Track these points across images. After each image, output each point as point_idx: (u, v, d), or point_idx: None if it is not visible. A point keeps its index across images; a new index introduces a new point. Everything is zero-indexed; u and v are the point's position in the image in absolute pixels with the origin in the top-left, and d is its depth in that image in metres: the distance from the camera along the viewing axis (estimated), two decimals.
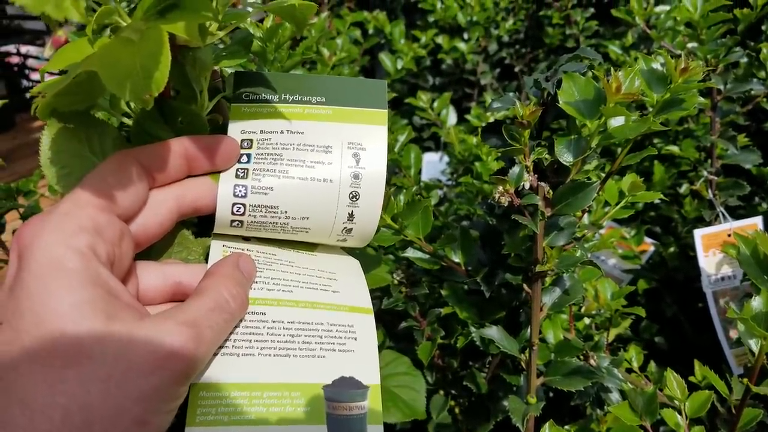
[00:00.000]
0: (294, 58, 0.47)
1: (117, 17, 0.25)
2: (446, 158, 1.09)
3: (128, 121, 0.34)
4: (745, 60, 0.71)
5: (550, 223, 0.45)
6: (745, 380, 0.38)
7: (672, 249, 0.82)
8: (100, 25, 0.26)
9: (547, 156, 0.44)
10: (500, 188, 0.41)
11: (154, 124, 0.31)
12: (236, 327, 0.30)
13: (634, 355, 0.61)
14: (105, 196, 0.27)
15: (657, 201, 0.94)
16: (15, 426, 0.22)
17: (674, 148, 0.87)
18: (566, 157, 0.42)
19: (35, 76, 3.04)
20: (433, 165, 1.23)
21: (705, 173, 0.73)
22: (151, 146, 0.30)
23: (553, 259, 0.43)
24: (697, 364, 0.42)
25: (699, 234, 0.72)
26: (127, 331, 0.24)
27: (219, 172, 0.32)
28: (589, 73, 0.44)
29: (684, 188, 0.91)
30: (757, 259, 0.35)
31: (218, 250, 0.33)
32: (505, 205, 0.41)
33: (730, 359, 0.71)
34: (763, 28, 0.98)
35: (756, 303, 0.36)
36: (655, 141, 0.94)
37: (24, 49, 3.05)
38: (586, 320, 0.63)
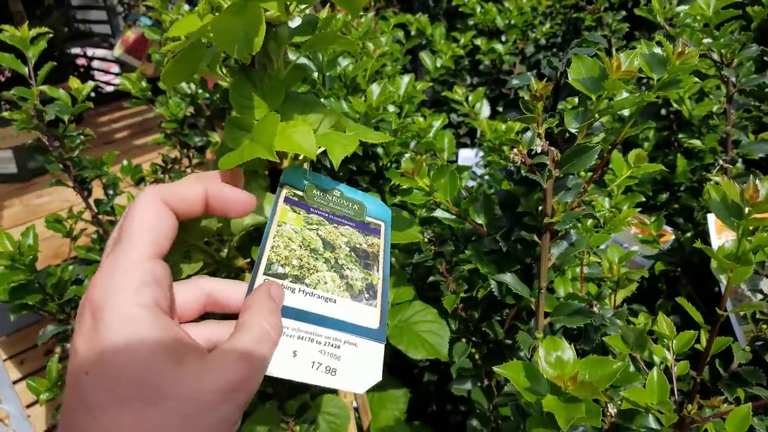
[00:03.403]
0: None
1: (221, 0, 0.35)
2: (481, 153, 1.17)
3: (223, 83, 0.43)
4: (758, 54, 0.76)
5: (560, 184, 0.52)
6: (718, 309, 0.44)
7: (689, 234, 0.88)
8: (211, 5, 0.36)
9: (556, 128, 0.52)
10: (515, 149, 0.49)
11: (244, 87, 0.40)
12: None
13: (642, 320, 0.67)
14: (155, 245, 0.31)
15: (680, 193, 0.99)
16: None
17: (697, 142, 0.93)
18: (573, 125, 0.50)
19: (100, 76, 3.27)
20: (468, 160, 1.31)
21: (721, 162, 0.78)
22: (177, 187, 0.34)
23: (559, 213, 0.51)
24: (681, 300, 0.49)
25: (712, 218, 0.78)
26: (195, 372, 0.29)
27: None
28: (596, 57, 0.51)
29: (708, 184, 0.96)
30: (726, 205, 0.41)
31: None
32: (519, 163, 0.49)
33: (739, 335, 0.76)
34: None
35: (728, 244, 0.43)
36: (680, 136, 0.99)
37: (90, 51, 3.29)
38: (598, 287, 0.70)
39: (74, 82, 0.71)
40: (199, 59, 0.40)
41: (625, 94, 0.52)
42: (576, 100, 0.56)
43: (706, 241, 0.92)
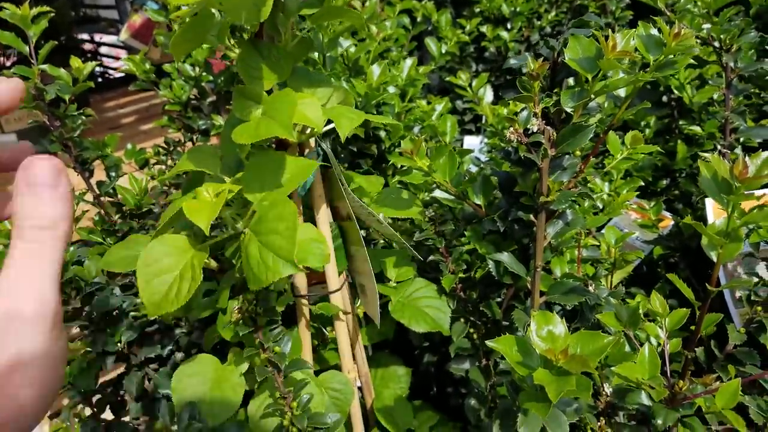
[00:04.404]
0: (344, 24, 0.57)
1: None
2: (486, 140, 1.17)
3: (231, 54, 0.44)
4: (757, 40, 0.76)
5: (555, 164, 0.53)
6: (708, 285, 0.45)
7: (687, 219, 0.88)
8: None
9: (553, 107, 0.53)
10: (510, 129, 0.50)
11: (252, 57, 0.41)
12: None
13: (639, 301, 0.68)
14: None
15: (680, 179, 1.00)
16: None
17: (697, 129, 0.93)
18: (569, 105, 0.50)
19: (108, 62, 3.28)
20: (473, 147, 1.32)
21: (719, 147, 0.78)
22: None
23: (555, 192, 0.52)
24: (672, 276, 0.50)
25: (710, 202, 0.78)
26: None
27: None
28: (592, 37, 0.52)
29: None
30: (716, 181, 0.42)
31: None
32: (515, 142, 0.50)
33: (735, 317, 0.77)
34: None
35: (719, 221, 0.44)
36: (681, 122, 0.99)
37: (98, 37, 3.30)
38: (594, 268, 0.71)
39: (75, 62, 0.72)
40: (207, 28, 0.41)
41: (621, 75, 0.53)
42: (571, 80, 0.57)
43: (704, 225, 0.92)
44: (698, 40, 0.77)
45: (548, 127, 0.51)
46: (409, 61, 0.78)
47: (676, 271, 0.90)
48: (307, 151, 0.51)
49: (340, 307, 0.58)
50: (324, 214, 0.54)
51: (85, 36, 3.27)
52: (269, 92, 0.43)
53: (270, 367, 0.49)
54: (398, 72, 0.76)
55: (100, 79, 3.23)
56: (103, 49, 3.41)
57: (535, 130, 0.51)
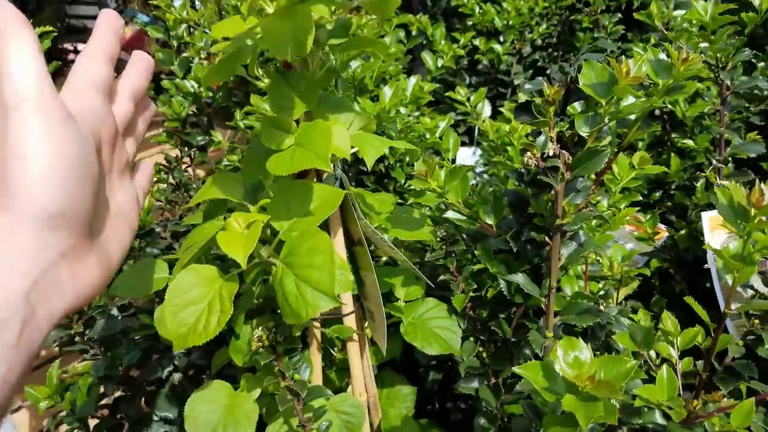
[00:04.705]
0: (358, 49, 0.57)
1: (262, 2, 0.36)
2: (479, 152, 1.18)
3: (260, 84, 0.44)
4: (752, 59, 0.79)
5: (570, 186, 0.54)
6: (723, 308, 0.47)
7: (683, 232, 0.90)
8: (252, 7, 0.36)
9: (567, 131, 0.54)
10: (529, 153, 0.51)
11: (282, 88, 0.41)
12: None
13: (642, 316, 0.69)
14: None
15: (674, 191, 1.02)
16: None
17: (689, 142, 0.95)
18: (584, 129, 0.51)
19: None
20: (466, 158, 1.33)
21: (714, 162, 0.80)
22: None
23: (570, 214, 0.53)
24: (689, 299, 0.51)
25: (706, 216, 0.80)
26: None
27: None
28: (604, 62, 0.53)
29: (700, 183, 0.99)
30: (732, 208, 0.43)
31: None
32: (533, 167, 0.51)
33: (731, 329, 0.78)
34: None
35: (733, 245, 0.45)
36: (673, 136, 1.02)
37: (81, 46, 3.24)
38: (600, 285, 0.72)
39: None
40: (241, 60, 0.41)
41: (631, 99, 0.54)
42: (577, 105, 0.58)
43: (699, 238, 0.95)
44: None
45: (564, 151, 0.52)
46: (413, 80, 0.78)
47: (672, 283, 0.92)
48: (325, 175, 0.51)
49: (354, 330, 0.58)
50: (341, 239, 0.55)
51: (68, 46, 3.21)
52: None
53: (290, 395, 0.49)
54: (403, 87, 0.77)
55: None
56: None
57: (550, 154, 0.52)
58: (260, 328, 0.48)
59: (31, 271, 0.30)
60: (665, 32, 0.81)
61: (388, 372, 0.76)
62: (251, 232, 0.39)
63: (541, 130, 0.53)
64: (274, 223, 0.43)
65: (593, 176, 0.55)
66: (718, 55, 0.74)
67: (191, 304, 0.41)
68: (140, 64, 0.41)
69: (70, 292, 0.32)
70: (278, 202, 0.44)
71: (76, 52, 3.31)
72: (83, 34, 3.15)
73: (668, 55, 0.55)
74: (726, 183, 0.43)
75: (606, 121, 0.51)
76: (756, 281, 0.75)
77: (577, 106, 0.57)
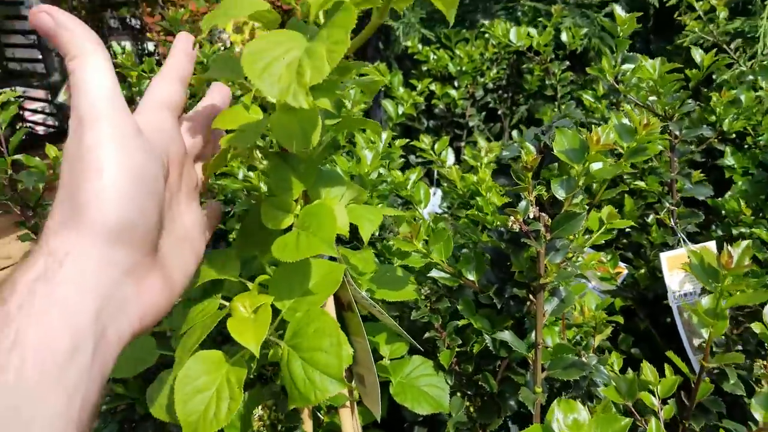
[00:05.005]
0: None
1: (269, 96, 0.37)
2: (439, 192, 1.21)
3: (259, 166, 0.44)
4: (695, 111, 0.85)
5: (549, 246, 0.57)
6: (700, 359, 0.50)
7: (642, 271, 0.95)
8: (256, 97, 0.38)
9: (545, 192, 0.57)
10: (512, 218, 0.53)
11: (282, 170, 0.42)
12: None
13: (615, 359, 0.73)
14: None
15: (628, 229, 1.08)
16: None
17: (641, 183, 1.01)
18: (560, 193, 0.54)
19: (30, 116, 3.11)
20: (429, 200, 1.36)
21: (667, 204, 0.86)
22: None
23: (552, 273, 0.55)
24: (670, 354, 0.54)
25: (664, 257, 0.85)
26: None
27: None
28: (574, 129, 0.56)
29: (651, 218, 1.05)
30: (703, 267, 0.47)
31: None
32: (517, 231, 0.53)
33: (695, 364, 0.83)
34: (714, 77, 1.14)
35: (705, 301, 0.48)
36: (626, 177, 1.08)
37: (21, 89, 3.13)
38: (574, 330, 0.75)
39: (51, 150, 0.69)
40: (243, 147, 0.41)
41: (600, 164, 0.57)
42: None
43: (658, 276, 1.00)
44: (644, 108, 0.84)
45: (543, 214, 0.55)
46: (384, 135, 0.80)
47: (636, 320, 0.96)
48: None
49: (347, 397, 0.58)
50: (332, 307, 0.55)
51: (7, 90, 3.09)
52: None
53: None
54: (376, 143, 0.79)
55: (24, 137, 3.05)
56: (26, 103, 3.23)
57: (531, 217, 0.55)
58: (260, 407, 0.48)
59: (98, 289, 0.30)
60: (616, 85, 0.86)
61: (373, 430, 0.76)
62: (260, 318, 0.40)
63: (521, 194, 0.56)
64: (277, 304, 0.43)
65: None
66: (666, 108, 0.80)
67: (199, 392, 0.40)
68: (218, 95, 0.43)
69: (134, 311, 0.32)
70: (279, 281, 0.44)
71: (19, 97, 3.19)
72: (25, 77, 3.04)
73: (631, 120, 0.59)
74: (696, 247, 0.47)
75: (580, 184, 0.54)
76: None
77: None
